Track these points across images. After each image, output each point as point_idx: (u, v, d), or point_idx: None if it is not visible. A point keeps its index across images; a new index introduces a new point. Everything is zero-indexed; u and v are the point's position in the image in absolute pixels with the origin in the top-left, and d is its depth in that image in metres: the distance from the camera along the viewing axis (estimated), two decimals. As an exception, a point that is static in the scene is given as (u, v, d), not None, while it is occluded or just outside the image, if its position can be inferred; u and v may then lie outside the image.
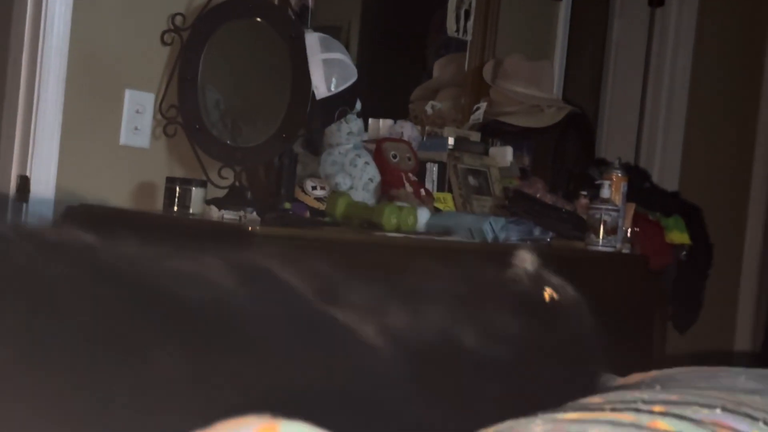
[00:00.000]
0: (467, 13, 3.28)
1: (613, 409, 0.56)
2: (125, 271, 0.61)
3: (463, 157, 2.96)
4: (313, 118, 2.63)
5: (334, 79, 2.51)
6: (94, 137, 2.49)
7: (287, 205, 2.50)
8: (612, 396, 0.65)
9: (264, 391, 0.52)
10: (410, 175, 2.75)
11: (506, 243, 2.61)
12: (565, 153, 3.30)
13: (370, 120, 2.93)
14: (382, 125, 2.96)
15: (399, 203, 2.55)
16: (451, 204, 2.86)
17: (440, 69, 3.39)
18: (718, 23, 4.45)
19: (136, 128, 2.54)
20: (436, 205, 2.78)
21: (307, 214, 2.54)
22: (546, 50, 3.59)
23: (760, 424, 0.60)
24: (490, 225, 2.57)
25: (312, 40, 2.50)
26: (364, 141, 2.79)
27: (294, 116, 2.50)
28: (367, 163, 2.69)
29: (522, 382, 0.64)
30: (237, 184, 2.50)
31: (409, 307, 0.64)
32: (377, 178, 2.70)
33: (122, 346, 0.55)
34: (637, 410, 0.56)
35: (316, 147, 2.75)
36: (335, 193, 2.56)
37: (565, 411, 0.56)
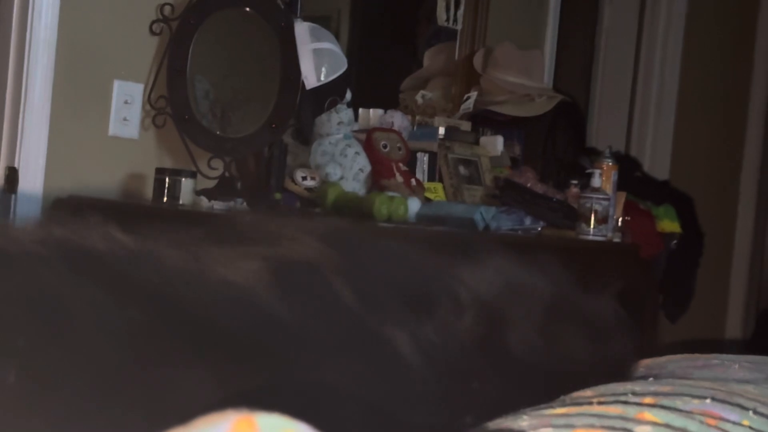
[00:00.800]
0: (457, 2, 3.27)
1: (601, 403, 0.56)
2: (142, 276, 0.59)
3: (453, 146, 2.95)
4: (303, 108, 2.62)
5: (324, 69, 2.50)
6: (83, 128, 2.48)
7: (277, 196, 2.49)
8: (603, 389, 0.65)
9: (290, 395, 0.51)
10: (401, 164, 2.75)
11: (498, 232, 2.61)
12: (556, 142, 3.30)
13: (361, 110, 2.93)
14: (373, 115, 2.95)
15: (390, 193, 2.55)
16: (441, 194, 2.86)
17: (430, 58, 3.38)
18: (709, 11, 4.45)
19: (125, 119, 2.53)
20: (427, 194, 2.78)
21: (298, 204, 2.53)
22: (536, 39, 3.59)
23: (750, 413, 0.60)
24: (481, 214, 2.57)
25: (302, 29, 2.49)
26: (355, 131, 2.78)
27: (284, 106, 2.49)
28: (357, 153, 2.68)
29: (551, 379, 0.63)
30: (227, 174, 2.50)
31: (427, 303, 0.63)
32: (368, 168, 2.69)
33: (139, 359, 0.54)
34: (626, 402, 0.56)
35: (306, 137, 2.74)
36: (325, 184, 2.56)
37: (553, 406, 0.56)
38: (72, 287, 0.57)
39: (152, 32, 2.53)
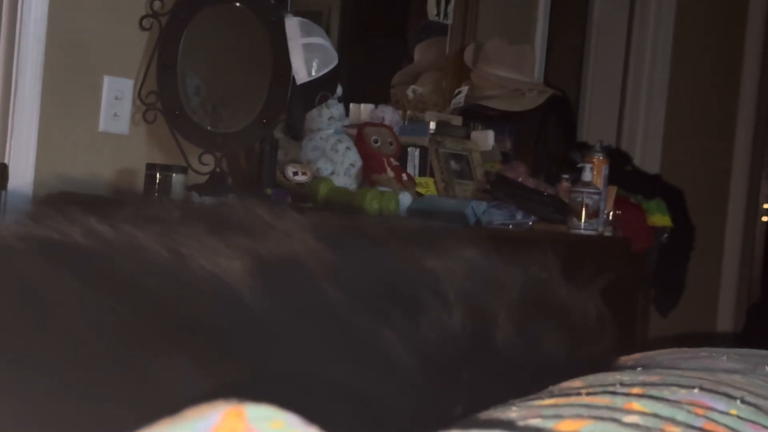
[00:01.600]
0: (448, -3, 3.27)
1: (589, 393, 0.56)
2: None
3: (444, 141, 2.96)
4: (294, 104, 2.62)
5: (314, 64, 2.50)
6: (73, 124, 2.47)
7: (268, 191, 2.49)
8: (591, 379, 0.65)
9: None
10: (392, 159, 2.75)
11: (489, 227, 2.61)
12: (547, 136, 3.31)
13: (351, 105, 2.93)
14: (363, 110, 2.95)
15: (381, 188, 2.55)
16: (432, 188, 2.86)
17: (421, 53, 3.38)
18: (699, 5, 4.45)
19: (115, 114, 2.52)
20: (418, 189, 2.78)
21: (289, 199, 2.53)
22: (527, 33, 3.59)
23: (738, 402, 0.60)
24: (472, 209, 2.57)
25: (292, 24, 2.49)
26: (346, 126, 2.78)
27: (274, 101, 2.49)
28: (348, 148, 2.69)
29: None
30: (218, 170, 2.49)
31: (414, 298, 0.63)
32: (359, 163, 2.69)
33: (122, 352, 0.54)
34: (614, 393, 0.56)
35: (297, 132, 2.74)
36: (317, 179, 2.56)
37: (542, 397, 0.56)
38: (54, 280, 0.57)
39: (142, 27, 2.53)
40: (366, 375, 0.55)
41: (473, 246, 0.70)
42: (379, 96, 3.10)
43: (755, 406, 0.59)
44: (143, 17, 2.52)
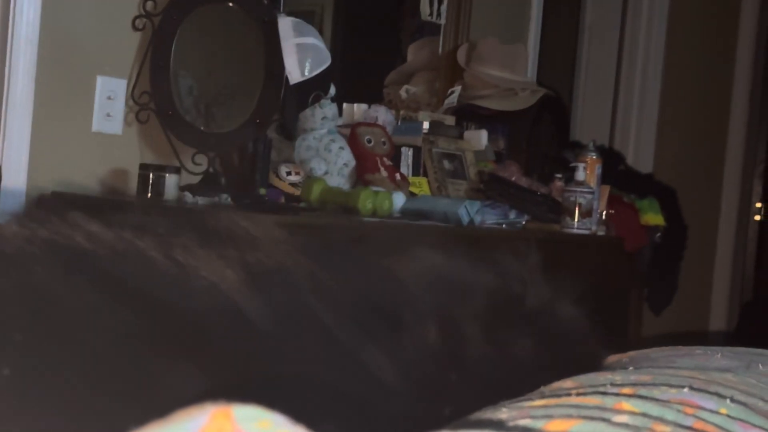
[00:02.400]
0: (441, -3, 3.27)
1: (579, 394, 0.56)
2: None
3: (437, 141, 2.96)
4: (287, 104, 2.62)
5: (307, 64, 2.50)
6: (66, 124, 2.47)
7: (262, 191, 2.49)
8: (582, 380, 0.66)
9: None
10: (385, 159, 2.75)
11: (481, 226, 2.62)
12: (540, 136, 3.31)
13: (345, 105, 2.93)
14: (357, 110, 2.95)
15: (374, 188, 2.55)
16: (426, 188, 2.87)
17: (414, 53, 3.38)
18: (692, 4, 4.46)
19: (108, 115, 2.52)
20: (412, 189, 2.79)
21: (282, 199, 2.53)
22: (520, 33, 3.60)
23: (728, 401, 0.61)
24: (466, 209, 2.57)
25: (285, 24, 2.49)
26: (339, 126, 2.79)
27: (268, 101, 2.49)
28: (341, 147, 2.69)
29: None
30: (211, 170, 2.49)
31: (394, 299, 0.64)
32: (352, 162, 2.69)
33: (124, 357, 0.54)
34: (604, 393, 0.57)
35: (290, 132, 2.74)
36: (310, 179, 2.56)
37: (532, 398, 0.57)
38: (60, 284, 0.57)
39: (135, 27, 2.52)
40: (350, 377, 0.56)
41: (443, 253, 0.70)
42: (373, 96, 3.11)
43: (745, 404, 0.60)
44: (136, 17, 2.52)
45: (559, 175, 3.01)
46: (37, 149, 2.40)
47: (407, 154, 2.90)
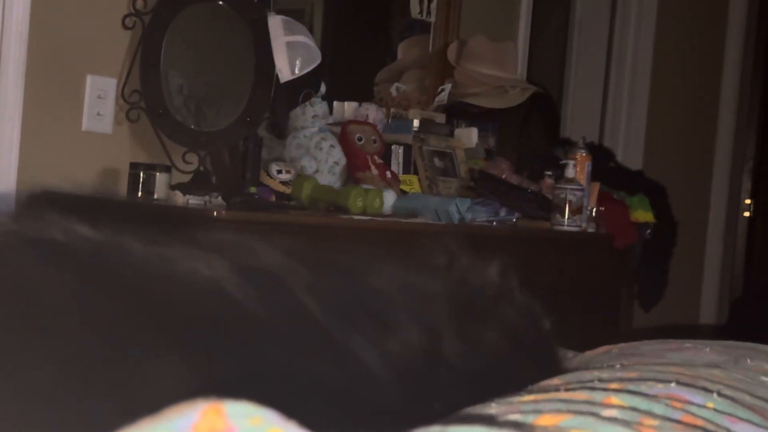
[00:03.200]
0: (431, -5, 3.28)
1: (568, 389, 0.57)
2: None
3: (428, 138, 2.96)
4: (278, 102, 2.62)
5: (297, 62, 2.50)
6: (56, 123, 2.46)
7: (252, 190, 2.49)
8: (570, 376, 0.66)
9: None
10: (376, 157, 2.75)
11: (473, 224, 2.62)
12: (530, 133, 3.32)
13: (335, 103, 2.93)
14: (347, 108, 2.95)
15: (365, 186, 2.55)
16: (417, 186, 2.87)
17: (404, 51, 3.39)
18: (681, 2, 4.47)
19: (98, 114, 2.52)
20: (402, 187, 2.79)
21: (273, 198, 2.53)
22: (509, 31, 3.60)
23: (714, 395, 0.61)
24: (456, 206, 2.58)
25: (275, 22, 2.49)
26: (329, 124, 2.79)
27: (258, 100, 2.49)
28: (332, 146, 2.69)
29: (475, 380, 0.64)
30: (201, 168, 2.49)
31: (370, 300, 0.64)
32: (343, 161, 2.70)
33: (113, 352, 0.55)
34: (592, 388, 0.57)
35: (280, 131, 2.74)
36: (301, 177, 2.56)
37: (521, 395, 0.57)
38: (43, 278, 0.57)
39: (125, 26, 2.52)
40: (340, 373, 0.56)
41: (404, 263, 0.71)
42: (363, 94, 3.11)
43: (731, 399, 0.60)
44: (126, 16, 2.51)
45: (549, 173, 3.02)
46: (27, 148, 2.40)
47: (398, 152, 2.90)
